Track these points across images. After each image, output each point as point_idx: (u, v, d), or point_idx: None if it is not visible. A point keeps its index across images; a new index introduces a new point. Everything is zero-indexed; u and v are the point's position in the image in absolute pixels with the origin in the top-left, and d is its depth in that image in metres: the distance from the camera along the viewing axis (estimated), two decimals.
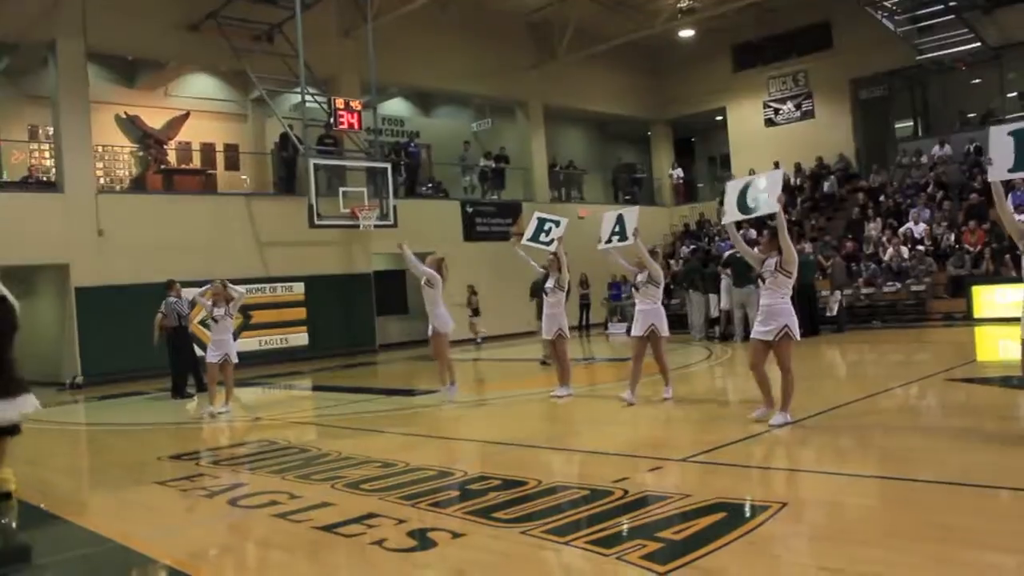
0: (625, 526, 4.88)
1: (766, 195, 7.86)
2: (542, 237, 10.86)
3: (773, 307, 7.74)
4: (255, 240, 20.20)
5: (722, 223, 8.23)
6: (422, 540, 4.96)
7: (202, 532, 5.70)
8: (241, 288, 11.73)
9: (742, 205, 8.05)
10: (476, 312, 21.21)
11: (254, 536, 5.54)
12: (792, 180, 26.60)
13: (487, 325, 22.44)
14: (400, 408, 11.48)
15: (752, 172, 27.01)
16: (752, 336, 8.05)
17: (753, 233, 22.10)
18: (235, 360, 11.44)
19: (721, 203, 27.06)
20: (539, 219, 11.15)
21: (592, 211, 27.04)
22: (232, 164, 23.22)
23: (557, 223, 10.86)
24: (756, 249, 8.55)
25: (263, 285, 19.89)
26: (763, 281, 7.87)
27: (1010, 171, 6.67)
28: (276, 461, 7.77)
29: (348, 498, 6.06)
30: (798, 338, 7.80)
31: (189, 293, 16.66)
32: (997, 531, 4.50)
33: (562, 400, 10.48)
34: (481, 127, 27.61)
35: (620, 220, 10.03)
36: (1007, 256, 18.23)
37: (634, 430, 8.57)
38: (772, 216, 7.89)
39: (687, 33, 27.57)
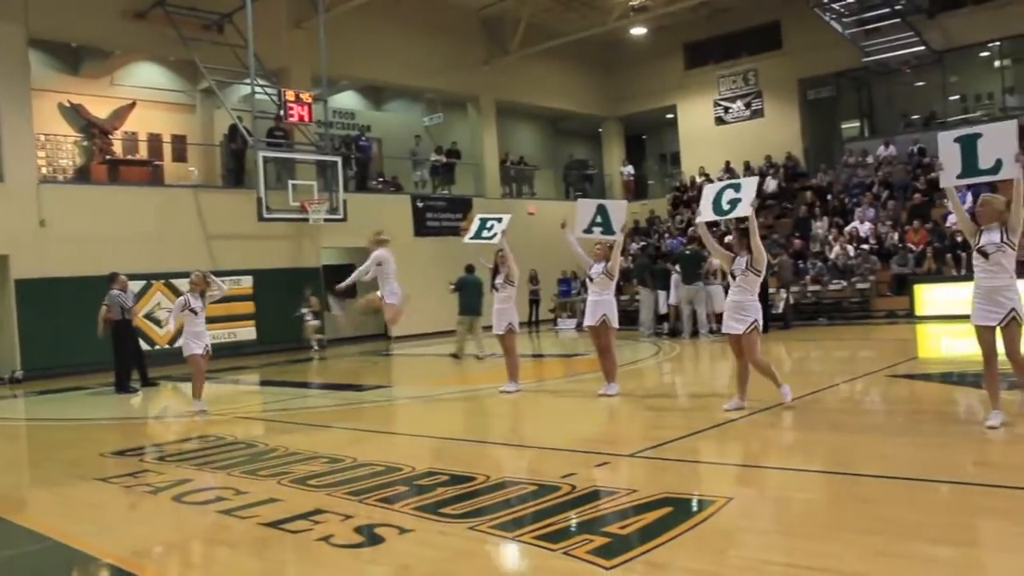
0: (572, 521, 4.90)
1: (741, 199, 8.17)
2: (484, 233, 10.87)
3: (743, 303, 8.15)
4: (203, 233, 19.90)
5: (696, 221, 8.63)
6: (369, 536, 4.94)
7: (146, 529, 5.61)
8: (223, 283, 11.40)
9: (717, 207, 8.33)
10: (317, 316, 19.67)
11: (199, 533, 5.47)
12: (741, 176, 26.86)
13: (440, 320, 22.38)
14: (348, 403, 11.40)
15: (702, 169, 27.60)
16: (724, 331, 8.43)
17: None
18: None
19: (672, 202, 27.48)
20: (481, 219, 11.16)
21: (543, 207, 27.18)
22: (180, 155, 22.82)
23: (499, 219, 10.89)
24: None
25: None
26: (733, 279, 8.25)
27: (959, 177, 7.08)
28: (222, 457, 7.68)
29: (295, 494, 6.00)
30: (761, 331, 8.24)
31: (135, 286, 16.49)
32: (936, 523, 4.59)
33: (511, 395, 10.49)
34: (433, 121, 27.49)
35: (602, 211, 9.95)
36: (948, 255, 18.64)
37: (582, 426, 8.61)
38: (744, 218, 8.25)
39: (639, 31, 27.73)
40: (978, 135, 6.97)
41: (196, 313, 10.72)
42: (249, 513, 5.53)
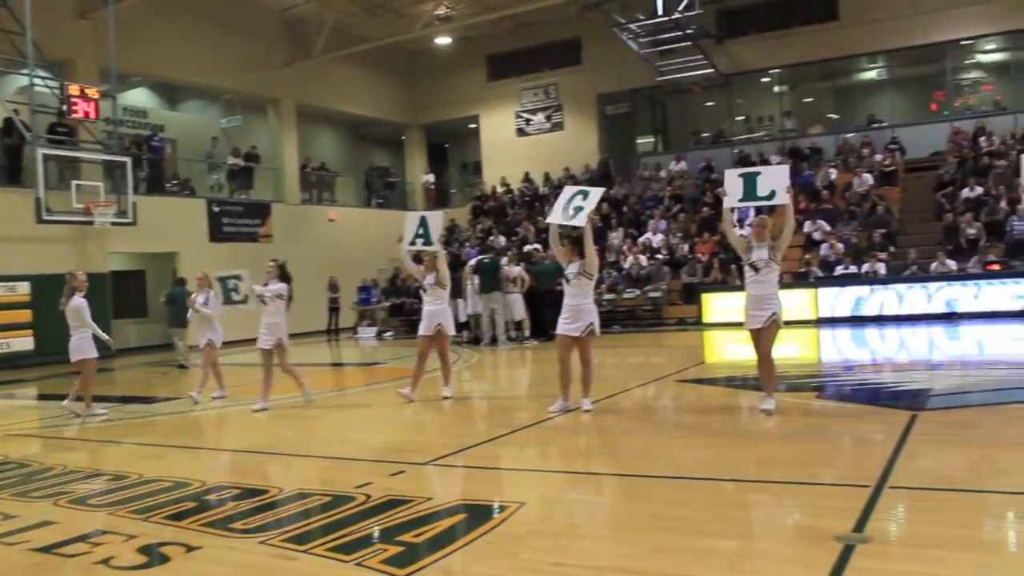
0: (366, 531, 4.85)
1: (583, 207, 8.61)
2: (235, 297, 10.63)
3: (579, 307, 8.51)
4: None
5: (547, 221, 9.08)
6: (154, 556, 4.71)
7: None
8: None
9: (565, 211, 8.72)
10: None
11: None
12: (540, 189, 27.58)
13: (234, 329, 21.66)
14: (137, 416, 10.83)
15: (504, 179, 28.12)
16: (560, 332, 8.64)
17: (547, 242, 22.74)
18: None
19: (473, 211, 27.79)
20: (220, 279, 10.91)
21: (344, 214, 26.95)
22: None
23: (239, 276, 10.65)
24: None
25: None
26: (567, 282, 8.61)
27: (740, 200, 8.30)
28: None
29: (72, 515, 5.65)
30: (599, 334, 8.64)
31: None
32: (718, 519, 4.86)
33: (257, 412, 10.00)
34: (231, 123, 26.56)
35: (424, 223, 10.09)
36: (733, 266, 19.79)
37: (379, 435, 8.55)
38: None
39: (444, 40, 27.96)
40: (758, 173, 8.25)
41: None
42: (19, 538, 5.15)
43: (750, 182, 8.10)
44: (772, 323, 7.77)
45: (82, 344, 10.62)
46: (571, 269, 8.56)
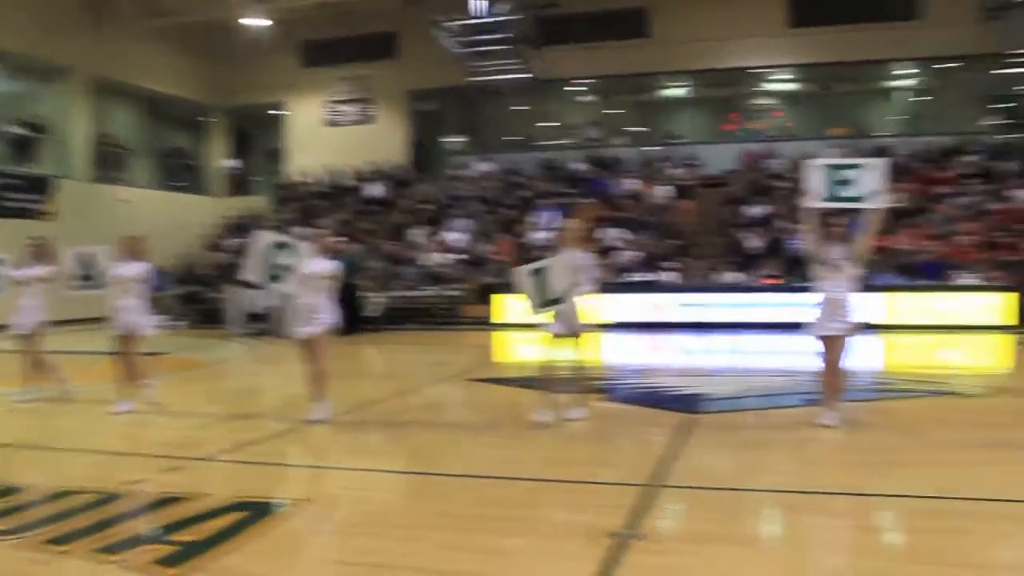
0: (136, 530, 4.64)
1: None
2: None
3: (317, 306, 7.85)
4: None
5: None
6: None
7: None
8: None
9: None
10: None
11: None
12: (345, 181, 27.33)
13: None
14: None
15: (307, 170, 27.54)
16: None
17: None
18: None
19: (276, 200, 26.95)
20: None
21: (138, 196, 25.71)
22: None
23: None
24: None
25: None
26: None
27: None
28: None
29: None
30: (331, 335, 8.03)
31: None
32: (507, 518, 4.95)
33: (25, 404, 9.35)
34: (11, 86, 24.63)
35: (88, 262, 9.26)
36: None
37: (158, 430, 8.05)
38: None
39: (257, 22, 26.98)
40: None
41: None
42: None
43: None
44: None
45: None
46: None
